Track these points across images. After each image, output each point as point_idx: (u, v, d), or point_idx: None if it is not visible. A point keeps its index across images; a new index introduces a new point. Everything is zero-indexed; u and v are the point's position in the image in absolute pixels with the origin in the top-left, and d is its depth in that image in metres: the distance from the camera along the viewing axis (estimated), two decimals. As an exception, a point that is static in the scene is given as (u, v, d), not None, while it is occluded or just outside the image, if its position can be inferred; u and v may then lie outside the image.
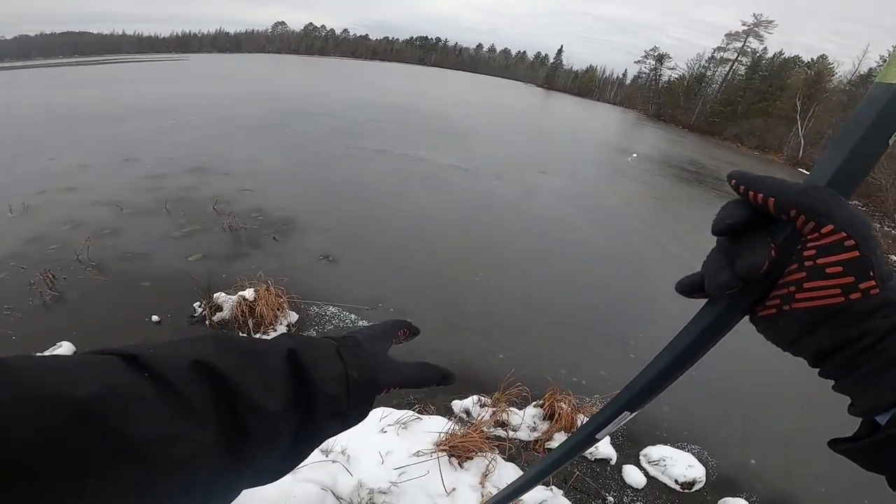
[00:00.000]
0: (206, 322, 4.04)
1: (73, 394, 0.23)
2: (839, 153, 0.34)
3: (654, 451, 3.32)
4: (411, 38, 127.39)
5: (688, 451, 3.40)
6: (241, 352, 0.35)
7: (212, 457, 0.29)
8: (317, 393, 0.38)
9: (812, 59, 45.07)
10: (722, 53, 50.29)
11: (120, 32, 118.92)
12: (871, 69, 37.66)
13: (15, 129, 11.53)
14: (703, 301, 0.40)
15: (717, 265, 0.35)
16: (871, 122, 0.34)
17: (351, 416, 0.42)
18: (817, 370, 0.35)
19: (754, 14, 48.23)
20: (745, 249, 0.34)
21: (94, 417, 0.23)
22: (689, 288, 0.39)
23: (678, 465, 3.21)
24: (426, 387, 0.49)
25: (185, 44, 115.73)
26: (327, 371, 0.40)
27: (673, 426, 3.63)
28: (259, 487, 0.38)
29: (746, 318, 0.37)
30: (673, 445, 3.43)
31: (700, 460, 3.33)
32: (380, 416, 3.12)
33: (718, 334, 0.38)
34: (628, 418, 0.48)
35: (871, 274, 0.31)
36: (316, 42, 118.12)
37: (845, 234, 0.31)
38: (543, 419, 3.35)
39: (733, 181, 0.36)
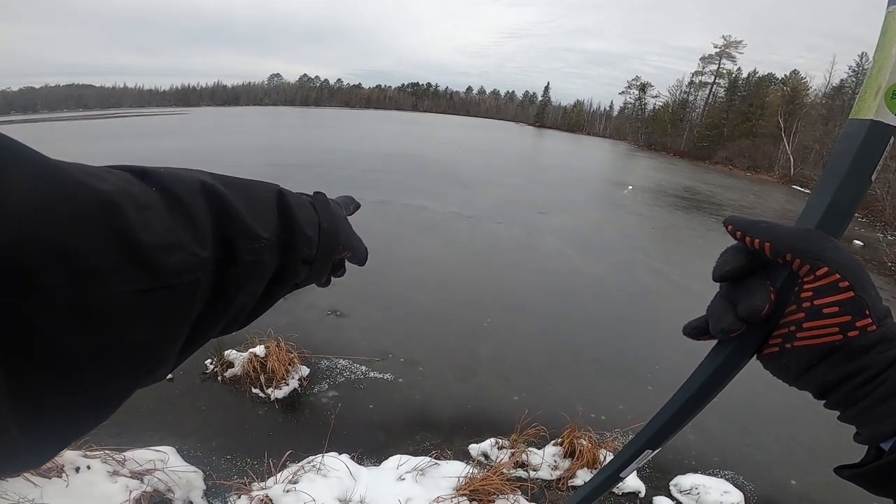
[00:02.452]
0: (219, 378, 4.04)
1: (99, 187, 0.24)
2: (825, 194, 0.36)
3: (685, 481, 3.23)
4: (403, 84, 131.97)
5: (721, 478, 3.31)
6: (238, 185, 0.38)
7: (207, 272, 0.30)
8: (297, 232, 0.41)
9: (785, 75, 46.55)
10: (700, 77, 51.98)
11: (122, 85, 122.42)
12: (842, 80, 38.69)
13: None
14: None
15: (721, 310, 0.37)
16: (851, 161, 0.35)
17: (315, 266, 0.45)
18: (822, 402, 0.37)
19: (723, 36, 50.23)
20: (745, 294, 0.36)
21: (113, 211, 0.24)
22: (695, 331, 0.41)
23: (713, 492, 3.12)
24: (361, 263, 0.54)
25: (185, 97, 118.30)
26: (306, 215, 0.43)
27: (702, 453, 3.55)
28: None
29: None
30: (704, 473, 3.34)
31: (735, 485, 3.24)
32: (397, 463, 3.08)
33: (730, 374, 0.40)
34: (651, 456, 0.48)
35: (867, 313, 0.32)
36: (311, 93, 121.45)
37: (840, 276, 0.33)
38: (564, 457, 3.29)
39: (730, 227, 0.38)
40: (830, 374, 0.34)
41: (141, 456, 2.86)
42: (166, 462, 2.89)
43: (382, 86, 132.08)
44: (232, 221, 0.33)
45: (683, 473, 3.32)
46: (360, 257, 0.54)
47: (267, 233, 0.36)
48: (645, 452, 0.48)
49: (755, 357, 0.39)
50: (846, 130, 0.37)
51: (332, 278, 0.55)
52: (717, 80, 50.35)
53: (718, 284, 0.40)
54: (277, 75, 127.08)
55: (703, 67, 51.46)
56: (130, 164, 0.31)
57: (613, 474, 0.52)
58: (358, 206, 0.62)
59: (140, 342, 0.26)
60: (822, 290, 0.33)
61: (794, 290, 0.35)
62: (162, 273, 0.26)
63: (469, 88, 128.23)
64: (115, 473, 2.68)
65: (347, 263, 0.57)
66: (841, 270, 0.33)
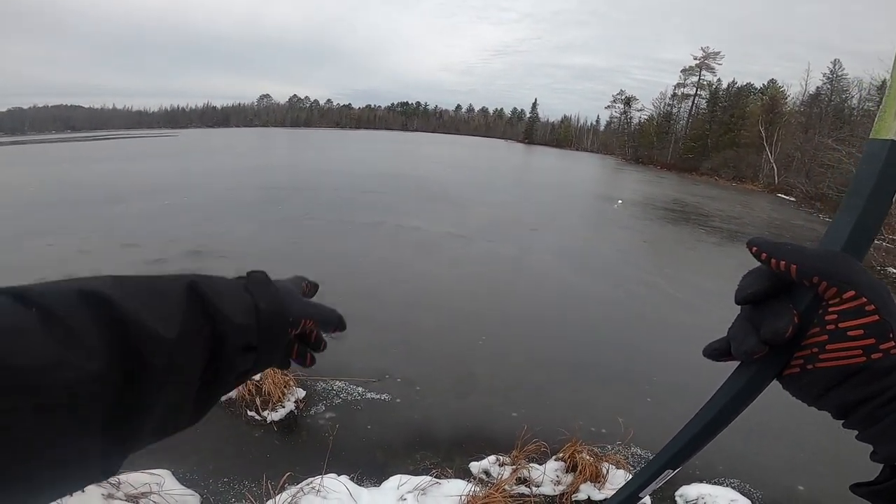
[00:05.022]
0: (213, 403, 3.98)
1: None
2: (849, 216, 0.36)
3: (691, 490, 3.21)
4: (392, 104, 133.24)
5: (727, 486, 3.29)
6: (135, 283, 0.34)
7: (104, 385, 0.29)
8: (222, 323, 0.37)
9: (763, 84, 47.63)
10: (682, 89, 52.91)
11: (111, 107, 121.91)
12: (818, 87, 39.52)
13: (14, 211, 11.66)
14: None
15: (743, 332, 0.37)
16: (874, 182, 0.35)
17: (264, 350, 0.41)
18: (841, 422, 0.37)
19: (702, 48, 51.35)
20: (768, 316, 0.36)
21: None
22: (715, 353, 0.41)
23: (720, 501, 3.10)
24: (336, 327, 0.51)
25: (174, 119, 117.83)
26: (233, 302, 0.39)
27: (706, 462, 3.53)
28: None
29: None
30: (710, 482, 3.32)
31: (742, 493, 3.23)
32: (397, 483, 3.04)
33: (752, 395, 0.40)
34: (671, 475, 0.48)
35: (891, 336, 0.33)
36: (301, 114, 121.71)
37: (866, 300, 0.33)
38: (566, 472, 3.26)
39: (754, 248, 0.37)
40: (851, 394, 0.34)
41: (136, 479, 2.80)
42: (162, 485, 2.84)
43: (372, 105, 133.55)
44: (127, 327, 0.31)
45: (689, 483, 3.30)
46: (332, 321, 0.50)
47: (170, 331, 0.33)
48: (665, 472, 0.47)
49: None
50: (868, 151, 0.37)
51: (313, 354, 0.52)
52: (698, 92, 51.45)
53: (739, 307, 0.40)
54: (267, 96, 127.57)
55: (685, 79, 52.60)
56: (11, 287, 0.30)
57: (633, 494, 0.51)
58: (314, 286, 0.56)
59: (23, 463, 0.25)
60: (848, 312, 0.34)
61: (817, 313, 0.35)
62: (49, 394, 0.26)
63: (458, 107, 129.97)
64: (110, 496, 2.63)
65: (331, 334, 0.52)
66: (868, 294, 0.33)
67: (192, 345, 0.35)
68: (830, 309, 0.34)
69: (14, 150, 38.09)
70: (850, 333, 0.33)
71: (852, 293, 0.33)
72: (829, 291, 0.34)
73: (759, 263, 0.39)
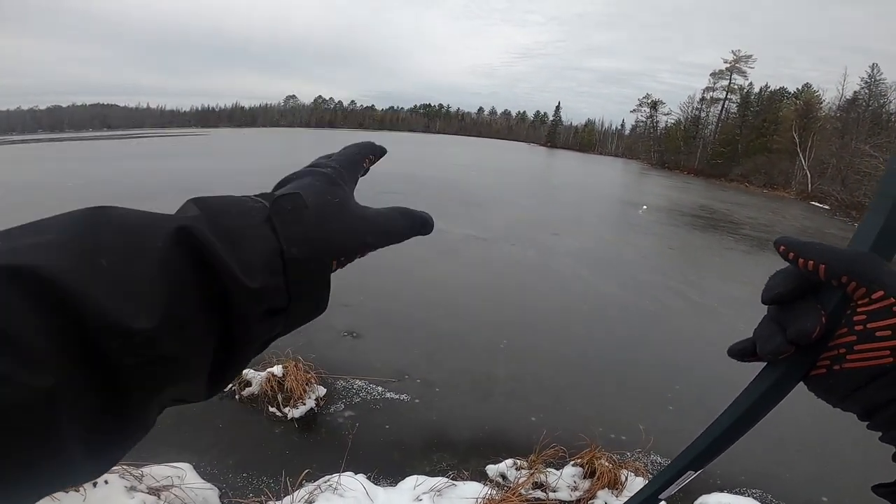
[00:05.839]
0: (236, 397, 4.06)
1: None
2: (878, 217, 0.36)
3: (711, 500, 3.14)
4: (415, 106, 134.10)
5: (748, 496, 3.23)
6: (93, 244, 0.24)
7: (60, 402, 0.21)
8: (232, 288, 0.26)
9: (798, 88, 46.11)
10: (711, 93, 51.73)
11: (145, 106, 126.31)
12: (855, 92, 38.07)
13: (56, 207, 12.13)
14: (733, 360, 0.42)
15: (770, 332, 0.38)
16: None
17: (297, 311, 0.31)
18: (865, 423, 0.37)
19: (733, 51, 50.08)
20: (795, 317, 0.36)
21: None
22: (740, 353, 0.41)
23: None
24: (407, 237, 0.38)
25: (205, 118, 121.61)
26: (248, 249, 0.28)
27: (727, 471, 3.45)
28: None
29: None
30: (731, 492, 3.26)
31: None
32: (413, 483, 3.05)
33: (778, 397, 0.40)
34: (692, 477, 0.47)
35: None
36: (325, 115, 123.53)
37: (895, 300, 0.33)
38: (584, 478, 3.22)
39: (782, 248, 0.37)
40: (878, 395, 0.34)
41: (158, 472, 2.88)
42: (183, 478, 2.91)
43: (395, 107, 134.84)
44: (83, 318, 0.22)
45: (709, 492, 3.23)
46: (408, 233, 0.38)
47: (151, 319, 0.23)
48: (687, 473, 0.47)
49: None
50: None
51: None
52: (728, 96, 50.26)
53: (767, 308, 0.40)
54: (293, 97, 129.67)
55: (715, 83, 51.47)
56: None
57: (653, 496, 0.51)
58: (382, 152, 0.43)
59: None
60: (877, 313, 0.33)
61: (844, 313, 0.35)
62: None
63: (480, 109, 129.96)
64: (133, 489, 2.71)
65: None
66: None
67: (186, 327, 0.25)
68: (859, 310, 0.34)
69: (56, 146, 39.74)
70: (878, 334, 0.33)
71: (881, 293, 0.33)
72: (859, 291, 0.34)
73: (786, 264, 0.38)
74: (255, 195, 0.33)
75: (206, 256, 0.26)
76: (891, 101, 35.46)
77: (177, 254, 0.26)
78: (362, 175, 0.41)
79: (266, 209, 0.31)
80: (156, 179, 18.18)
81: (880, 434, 0.36)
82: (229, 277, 0.26)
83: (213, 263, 0.26)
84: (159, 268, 0.25)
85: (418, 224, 0.38)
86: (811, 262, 0.35)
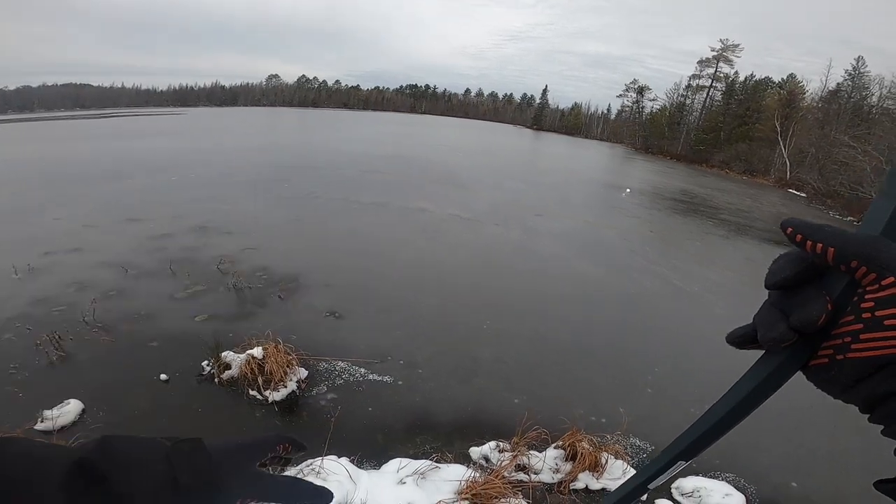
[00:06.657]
0: (215, 380, 4.00)
1: None
2: (889, 201, 0.35)
3: (687, 483, 3.24)
4: (401, 86, 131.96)
5: (722, 480, 3.33)
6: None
7: None
8: None
9: (782, 78, 46.69)
10: (697, 81, 51.94)
11: (119, 85, 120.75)
12: (838, 84, 38.63)
13: (22, 187, 11.73)
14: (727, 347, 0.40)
15: (772, 318, 0.36)
16: None
17: None
18: (867, 416, 0.35)
19: (720, 39, 50.13)
20: (800, 303, 0.35)
21: None
22: (740, 340, 0.39)
23: (714, 495, 3.14)
24: None
25: (183, 97, 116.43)
26: (143, 476, 0.32)
27: (703, 456, 3.49)
28: None
29: None
30: (705, 476, 3.36)
31: (737, 488, 3.26)
32: (397, 466, 3.05)
33: (776, 385, 0.39)
34: (683, 467, 0.46)
35: None
36: (309, 94, 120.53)
37: None
38: (565, 460, 3.27)
39: (789, 230, 0.36)
40: (882, 386, 0.32)
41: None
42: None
43: (381, 87, 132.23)
44: None
45: (685, 476, 3.33)
46: (281, 490, 0.39)
47: None
48: (678, 463, 0.46)
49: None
50: None
51: None
52: (714, 84, 50.57)
53: (768, 293, 0.38)
54: (275, 76, 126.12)
55: (701, 71, 51.67)
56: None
57: (642, 485, 0.50)
58: (300, 448, 0.45)
59: None
60: (886, 300, 0.32)
61: (851, 300, 0.33)
62: None
63: (467, 90, 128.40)
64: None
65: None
66: None
67: None
68: (867, 297, 0.32)
69: (22, 127, 38.13)
70: (886, 323, 0.31)
71: (891, 279, 0.31)
72: (868, 277, 0.32)
73: (788, 249, 0.37)
74: (164, 438, 0.36)
75: (96, 486, 0.29)
76: (873, 94, 36.08)
77: (72, 486, 0.28)
78: (275, 458, 0.42)
79: (166, 446, 0.34)
80: (121, 158, 17.62)
81: (882, 428, 0.34)
82: (117, 498, 0.29)
83: (104, 490, 0.29)
84: None
85: (310, 493, 0.39)
86: (819, 245, 0.33)
